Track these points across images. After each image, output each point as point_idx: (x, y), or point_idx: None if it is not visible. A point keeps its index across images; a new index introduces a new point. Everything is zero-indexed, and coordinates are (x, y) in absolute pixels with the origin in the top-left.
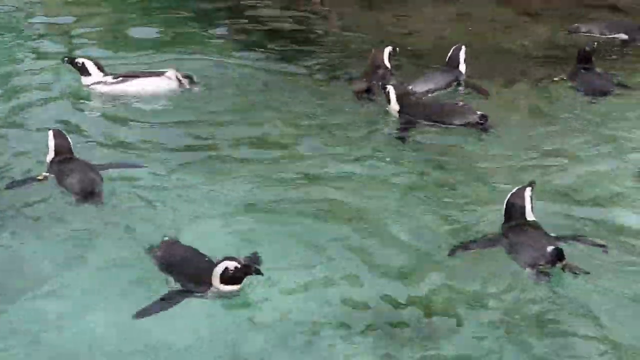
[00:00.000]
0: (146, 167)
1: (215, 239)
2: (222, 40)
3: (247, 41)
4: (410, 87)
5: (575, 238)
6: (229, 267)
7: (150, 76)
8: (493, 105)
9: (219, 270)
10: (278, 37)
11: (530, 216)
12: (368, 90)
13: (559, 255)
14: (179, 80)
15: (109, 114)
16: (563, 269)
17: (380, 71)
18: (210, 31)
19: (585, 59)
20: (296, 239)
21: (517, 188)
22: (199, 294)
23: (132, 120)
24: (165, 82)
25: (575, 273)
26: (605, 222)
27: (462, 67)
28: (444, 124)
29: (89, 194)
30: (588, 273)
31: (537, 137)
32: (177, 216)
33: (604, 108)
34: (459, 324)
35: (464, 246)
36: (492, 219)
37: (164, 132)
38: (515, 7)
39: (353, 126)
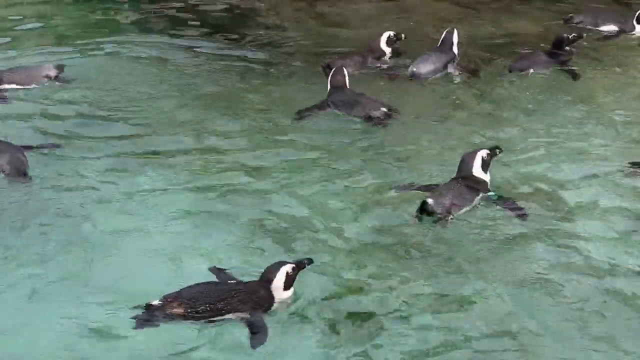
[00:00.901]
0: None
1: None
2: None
3: (182, 43)
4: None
5: (506, 201)
6: (288, 271)
7: (28, 70)
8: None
9: (280, 278)
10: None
11: (478, 173)
12: (328, 66)
13: (422, 207)
14: (55, 76)
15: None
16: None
17: (368, 54)
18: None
19: (557, 44)
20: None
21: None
22: (268, 312)
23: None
24: (42, 75)
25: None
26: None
27: (455, 50)
28: (347, 114)
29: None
30: (446, 221)
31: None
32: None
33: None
34: None
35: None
36: None
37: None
38: (455, 1)
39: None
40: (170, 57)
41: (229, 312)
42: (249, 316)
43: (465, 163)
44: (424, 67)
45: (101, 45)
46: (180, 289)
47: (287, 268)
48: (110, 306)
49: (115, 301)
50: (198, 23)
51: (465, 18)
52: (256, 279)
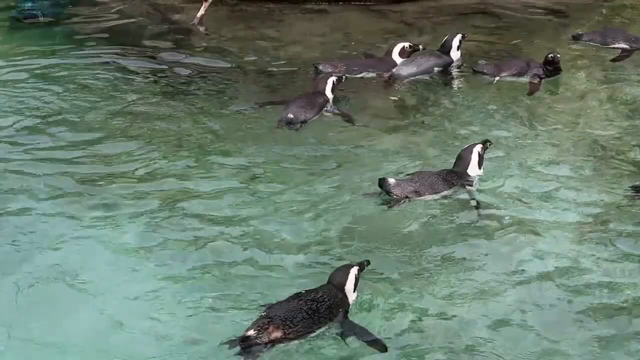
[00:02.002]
0: None
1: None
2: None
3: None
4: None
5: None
6: (356, 273)
7: None
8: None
9: (352, 280)
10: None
11: (474, 170)
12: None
13: (380, 183)
14: None
15: None
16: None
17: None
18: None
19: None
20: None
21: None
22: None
23: None
24: None
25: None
26: None
27: (454, 54)
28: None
29: None
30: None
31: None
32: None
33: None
34: None
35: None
36: None
37: None
38: (391, 18)
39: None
40: (106, 80)
41: (324, 324)
42: (340, 323)
43: (463, 159)
44: (405, 69)
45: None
46: (266, 313)
47: (355, 270)
48: None
49: None
50: (130, 42)
51: (406, 34)
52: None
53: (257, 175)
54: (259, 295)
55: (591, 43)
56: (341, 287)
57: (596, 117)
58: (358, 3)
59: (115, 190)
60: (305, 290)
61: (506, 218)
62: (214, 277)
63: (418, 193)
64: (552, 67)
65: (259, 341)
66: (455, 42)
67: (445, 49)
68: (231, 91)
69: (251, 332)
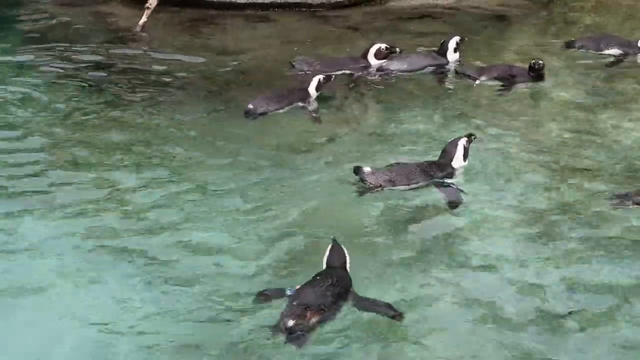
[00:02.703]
0: None
1: None
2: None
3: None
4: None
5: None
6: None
7: None
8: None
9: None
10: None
11: (458, 162)
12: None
13: (355, 170)
14: None
15: None
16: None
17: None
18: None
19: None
20: None
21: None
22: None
23: None
24: None
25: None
26: None
27: (450, 56)
28: None
29: None
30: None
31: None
32: None
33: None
34: None
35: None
36: None
37: None
38: (335, 24)
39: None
40: (45, 88)
41: (344, 303)
42: (353, 300)
43: (447, 152)
44: (393, 64)
45: None
46: (294, 303)
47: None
48: None
49: None
50: (72, 50)
51: (350, 39)
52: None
53: (206, 183)
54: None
55: (584, 50)
56: (343, 267)
57: (549, 123)
58: (301, 9)
59: (55, 199)
60: (319, 276)
61: (454, 216)
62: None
63: (392, 182)
64: (535, 74)
65: (300, 329)
66: (452, 45)
67: (442, 51)
68: (176, 98)
69: (290, 323)
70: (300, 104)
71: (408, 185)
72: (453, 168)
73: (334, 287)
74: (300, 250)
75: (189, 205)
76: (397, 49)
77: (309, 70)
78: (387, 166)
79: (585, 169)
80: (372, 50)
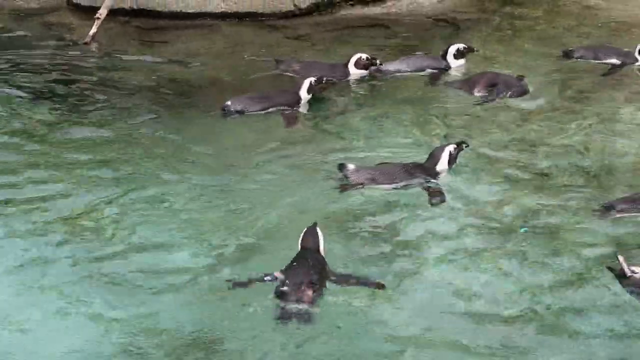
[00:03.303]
0: None
1: None
2: None
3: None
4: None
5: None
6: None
7: None
8: None
9: (322, 239)
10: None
11: (442, 166)
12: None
13: (339, 166)
14: None
15: None
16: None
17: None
18: None
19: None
20: None
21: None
22: None
23: None
24: None
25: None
26: None
27: (451, 62)
28: None
29: None
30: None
31: None
32: None
33: None
34: None
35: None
36: None
37: None
38: (285, 33)
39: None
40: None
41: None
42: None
43: (434, 157)
44: (390, 65)
45: None
46: (291, 283)
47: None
48: None
49: None
50: (22, 61)
51: (301, 48)
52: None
53: (164, 194)
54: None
55: (583, 59)
56: (317, 250)
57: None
58: (252, 19)
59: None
60: (298, 260)
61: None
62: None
63: (374, 181)
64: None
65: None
66: (452, 50)
67: (443, 54)
68: (128, 106)
69: (310, 292)
70: (286, 107)
71: (390, 184)
72: (437, 172)
73: (314, 266)
74: (279, 239)
75: (148, 208)
76: (378, 61)
77: (288, 71)
78: (378, 164)
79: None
80: (353, 59)
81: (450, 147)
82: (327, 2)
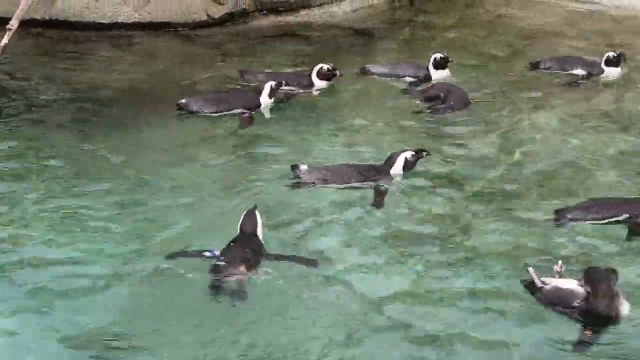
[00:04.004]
0: None
1: None
2: None
3: None
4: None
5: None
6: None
7: None
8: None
9: (260, 222)
10: None
11: (396, 171)
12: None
13: (292, 167)
14: None
15: None
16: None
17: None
18: None
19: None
20: None
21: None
22: None
23: None
24: None
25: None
26: None
27: (431, 70)
28: None
29: None
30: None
31: None
32: None
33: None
34: None
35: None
36: None
37: None
38: (199, 43)
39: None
40: None
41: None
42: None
43: (390, 160)
44: (375, 68)
45: None
46: (227, 259)
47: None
48: None
49: None
50: None
51: (214, 59)
52: None
53: (79, 205)
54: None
55: (549, 70)
56: (254, 233)
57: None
58: (165, 29)
59: None
60: (235, 241)
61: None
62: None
63: (325, 181)
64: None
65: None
66: (431, 60)
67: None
68: (43, 120)
69: (227, 270)
70: (245, 110)
71: (341, 184)
72: (390, 175)
73: (249, 246)
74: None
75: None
76: (338, 72)
77: (253, 82)
78: (333, 165)
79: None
80: (315, 69)
81: (408, 154)
82: (240, 12)
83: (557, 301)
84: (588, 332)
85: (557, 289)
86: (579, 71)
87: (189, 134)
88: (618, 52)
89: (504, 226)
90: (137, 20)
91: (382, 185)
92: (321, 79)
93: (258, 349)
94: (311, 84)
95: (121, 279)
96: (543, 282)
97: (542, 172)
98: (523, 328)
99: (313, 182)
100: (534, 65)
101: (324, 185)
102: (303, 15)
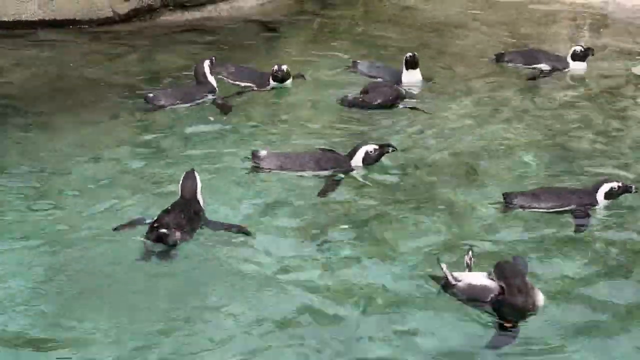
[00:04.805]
0: None
1: None
2: None
3: None
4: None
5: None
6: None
7: None
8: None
9: (199, 185)
10: None
11: (356, 163)
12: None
13: (252, 153)
14: None
15: None
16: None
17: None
18: None
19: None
20: None
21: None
22: None
23: None
24: None
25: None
26: None
27: (406, 75)
28: None
29: None
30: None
31: None
32: None
33: None
34: None
35: None
36: None
37: None
38: (105, 40)
39: None
40: None
41: (198, 222)
42: (206, 223)
43: (352, 151)
44: (363, 65)
45: None
46: (157, 222)
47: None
48: None
49: None
50: None
51: (120, 56)
52: None
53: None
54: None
55: (512, 64)
56: (194, 196)
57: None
58: (70, 26)
59: None
60: (172, 205)
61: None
62: None
63: (282, 168)
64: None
65: (169, 239)
66: (402, 63)
67: (402, 66)
68: None
69: (164, 230)
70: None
71: (297, 172)
72: (350, 166)
73: (186, 210)
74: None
75: None
76: (284, 68)
77: (222, 74)
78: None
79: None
80: (272, 71)
81: (370, 147)
82: (146, 7)
83: (472, 297)
84: (507, 324)
85: (470, 286)
86: (544, 65)
87: (99, 130)
88: (585, 47)
89: (421, 218)
90: (41, 17)
91: (338, 176)
92: (275, 81)
93: (177, 316)
94: (267, 84)
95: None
96: (456, 279)
97: (461, 163)
98: (436, 321)
99: (269, 169)
100: (498, 58)
101: (280, 171)
102: (210, 10)
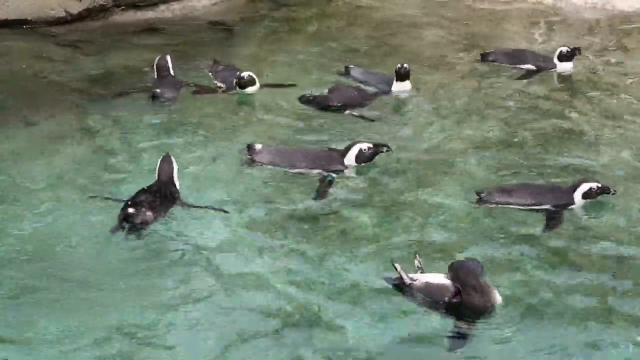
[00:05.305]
0: None
1: None
2: None
3: None
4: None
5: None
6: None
7: None
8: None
9: (176, 167)
10: None
11: (349, 161)
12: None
13: (247, 146)
14: None
15: None
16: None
17: None
18: None
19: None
20: None
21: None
22: None
23: None
24: None
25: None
26: None
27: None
28: None
29: None
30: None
31: None
32: None
33: None
34: None
35: None
36: None
37: None
38: (56, 41)
39: None
40: None
41: (173, 203)
42: (181, 205)
43: (345, 149)
44: (356, 69)
45: None
46: (130, 201)
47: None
48: None
49: None
50: None
51: (73, 56)
52: None
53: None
54: None
55: (497, 63)
56: (171, 180)
57: None
58: (22, 26)
59: None
60: (147, 186)
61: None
62: None
63: (274, 163)
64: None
65: (140, 219)
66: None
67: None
68: None
69: (132, 210)
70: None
71: (289, 168)
72: (343, 164)
73: (159, 191)
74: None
75: None
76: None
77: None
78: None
79: None
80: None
81: (364, 145)
82: (98, 7)
83: (428, 297)
84: (463, 325)
85: (426, 285)
86: (529, 66)
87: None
88: (572, 47)
89: (387, 219)
90: None
91: (329, 175)
92: (242, 88)
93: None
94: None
95: None
96: (411, 279)
97: (420, 161)
98: (387, 322)
99: (261, 163)
100: (484, 57)
101: (273, 167)
102: (162, 10)
